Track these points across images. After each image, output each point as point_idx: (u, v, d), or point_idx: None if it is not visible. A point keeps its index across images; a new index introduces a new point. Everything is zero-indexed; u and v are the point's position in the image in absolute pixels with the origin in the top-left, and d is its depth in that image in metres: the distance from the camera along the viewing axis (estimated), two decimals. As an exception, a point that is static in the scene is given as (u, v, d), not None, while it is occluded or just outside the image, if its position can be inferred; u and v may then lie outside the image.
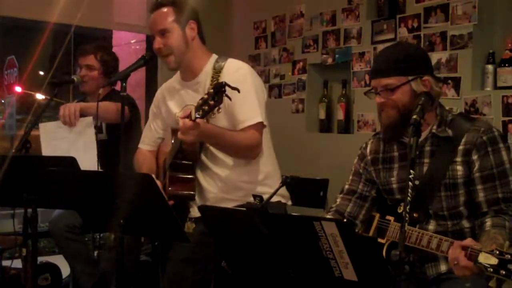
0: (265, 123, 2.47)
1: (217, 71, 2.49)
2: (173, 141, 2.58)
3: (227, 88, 2.11)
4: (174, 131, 2.55)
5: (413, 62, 2.07)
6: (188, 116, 2.17)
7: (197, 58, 2.54)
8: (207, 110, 2.11)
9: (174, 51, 2.48)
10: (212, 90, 2.11)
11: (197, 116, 2.13)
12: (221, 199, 2.52)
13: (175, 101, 2.64)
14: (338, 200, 2.35)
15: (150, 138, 2.80)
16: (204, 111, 2.11)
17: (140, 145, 2.83)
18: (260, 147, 2.48)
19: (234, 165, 2.53)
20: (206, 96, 2.12)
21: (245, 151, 2.47)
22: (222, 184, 2.54)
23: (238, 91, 2.16)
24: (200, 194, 2.58)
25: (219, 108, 2.13)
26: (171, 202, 2.45)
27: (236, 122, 2.45)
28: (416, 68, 2.06)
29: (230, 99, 2.16)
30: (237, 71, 2.49)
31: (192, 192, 2.56)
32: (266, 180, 2.55)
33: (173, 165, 2.56)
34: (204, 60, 2.56)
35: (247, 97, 2.42)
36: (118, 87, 3.49)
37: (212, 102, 2.10)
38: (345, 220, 2.24)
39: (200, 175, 2.58)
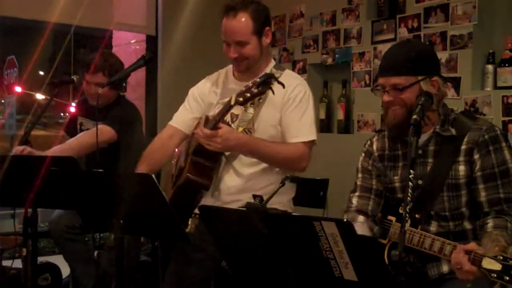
0: (315, 138, 2.50)
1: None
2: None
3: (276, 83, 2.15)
4: (207, 119, 2.53)
5: (424, 61, 2.05)
6: (206, 124, 2.18)
7: (262, 63, 2.54)
8: (248, 97, 2.13)
9: (249, 59, 2.47)
10: (259, 79, 2.12)
11: (238, 100, 2.14)
12: (233, 200, 2.49)
13: (222, 97, 2.59)
14: (355, 199, 2.28)
15: (184, 119, 2.68)
16: (246, 98, 2.13)
17: (171, 122, 2.70)
18: (307, 162, 2.48)
19: (260, 169, 2.50)
20: (250, 84, 2.14)
21: (288, 163, 2.46)
22: (240, 184, 2.50)
23: (283, 86, 2.18)
24: (214, 189, 2.54)
25: (260, 98, 2.14)
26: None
27: (288, 135, 2.47)
28: (426, 68, 2.04)
29: (273, 92, 2.17)
30: (295, 88, 2.49)
31: (208, 182, 2.49)
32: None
33: (197, 150, 2.48)
34: (265, 65, 2.55)
35: (305, 114, 2.45)
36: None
37: (256, 90, 2.12)
38: (345, 220, 2.23)
39: (221, 170, 2.53)
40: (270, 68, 2.54)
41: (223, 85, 2.62)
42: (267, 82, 2.11)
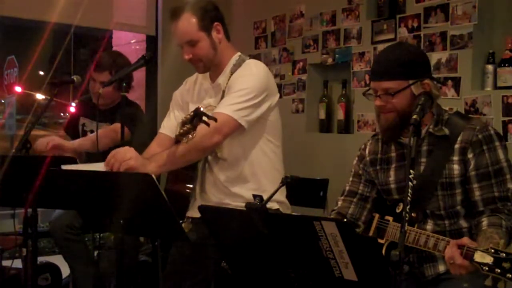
0: (242, 124, 2.36)
1: (232, 73, 2.48)
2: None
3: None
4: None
5: (414, 66, 2.06)
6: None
7: (223, 59, 2.51)
8: (185, 132, 2.11)
9: (203, 59, 2.46)
10: (192, 113, 2.09)
11: (180, 131, 2.12)
12: (219, 203, 2.49)
13: (198, 98, 2.61)
14: (340, 202, 2.34)
15: (170, 125, 2.67)
16: (184, 131, 2.11)
17: (161, 130, 2.69)
18: (215, 137, 2.34)
19: (238, 174, 2.49)
20: (188, 116, 2.10)
21: (193, 147, 2.32)
22: (221, 188, 2.51)
23: (215, 120, 2.12)
24: (200, 195, 2.57)
25: (194, 133, 2.10)
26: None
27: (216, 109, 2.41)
28: (417, 72, 2.05)
29: (208, 125, 2.12)
30: (244, 70, 2.47)
31: (188, 190, 2.53)
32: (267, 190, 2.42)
33: None
34: (227, 59, 2.53)
35: (237, 92, 2.39)
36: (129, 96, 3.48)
37: (189, 126, 2.09)
38: (345, 219, 2.25)
39: (202, 176, 2.55)
40: (232, 64, 2.51)
41: (200, 86, 2.63)
42: (196, 117, 2.07)
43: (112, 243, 2.96)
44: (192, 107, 2.57)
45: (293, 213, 2.47)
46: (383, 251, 2.09)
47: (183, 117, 2.14)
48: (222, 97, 2.44)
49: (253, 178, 2.49)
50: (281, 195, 2.53)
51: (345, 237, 1.63)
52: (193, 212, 2.50)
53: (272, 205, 2.43)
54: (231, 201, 2.46)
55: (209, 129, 2.24)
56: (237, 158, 2.48)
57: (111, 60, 3.34)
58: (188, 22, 2.41)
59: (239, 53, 2.57)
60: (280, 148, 2.59)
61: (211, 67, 2.50)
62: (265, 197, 1.90)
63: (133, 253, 3.34)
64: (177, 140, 2.27)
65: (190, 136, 2.10)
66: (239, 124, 2.36)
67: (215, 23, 2.47)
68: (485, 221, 1.96)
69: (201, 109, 2.08)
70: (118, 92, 3.28)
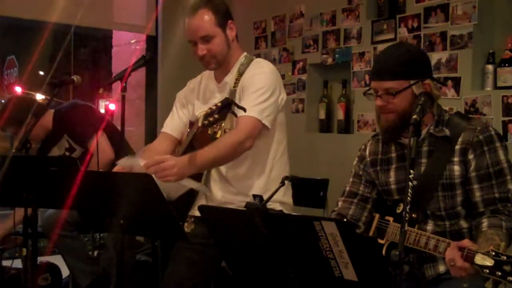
0: (266, 124, 2.39)
1: (241, 73, 2.48)
2: (187, 136, 2.55)
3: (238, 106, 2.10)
4: (191, 124, 2.52)
5: (416, 66, 2.06)
6: (190, 129, 2.16)
7: (232, 58, 2.52)
8: (212, 121, 2.10)
9: (217, 55, 2.45)
10: (220, 104, 2.09)
11: (204, 123, 2.12)
12: (224, 202, 2.49)
13: (203, 99, 2.60)
14: (340, 203, 2.33)
15: (174, 125, 2.67)
16: (209, 122, 2.11)
17: (164, 129, 2.68)
18: (248, 142, 2.35)
19: (245, 172, 2.49)
20: (214, 107, 2.11)
21: (235, 150, 2.35)
22: (227, 187, 2.51)
23: (244, 110, 2.13)
24: (205, 193, 2.55)
25: (222, 124, 2.09)
26: None
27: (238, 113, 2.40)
28: (418, 72, 2.05)
29: (236, 116, 2.12)
30: (256, 68, 2.47)
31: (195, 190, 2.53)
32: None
33: None
34: (235, 58, 2.53)
35: (255, 92, 2.39)
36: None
37: (217, 116, 2.08)
38: (345, 219, 2.24)
39: (208, 174, 2.54)
40: (239, 63, 2.51)
41: (205, 86, 2.63)
42: (226, 108, 2.08)
43: (110, 242, 2.96)
44: (198, 105, 2.58)
45: (293, 213, 2.47)
46: (383, 251, 2.09)
47: (207, 109, 2.14)
48: (216, 105, 2.43)
49: (259, 177, 2.49)
50: (284, 196, 2.53)
51: (345, 237, 1.63)
52: (196, 211, 2.50)
53: (274, 205, 2.43)
54: (237, 200, 2.46)
55: (241, 135, 2.29)
56: (245, 157, 2.46)
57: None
58: (205, 17, 2.42)
59: (245, 53, 2.58)
60: (286, 148, 2.60)
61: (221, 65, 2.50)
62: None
63: (130, 253, 3.34)
64: (197, 130, 2.27)
65: (218, 126, 2.10)
66: (263, 124, 2.38)
67: (229, 21, 2.48)
68: (485, 222, 1.96)
69: (230, 99, 2.10)
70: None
